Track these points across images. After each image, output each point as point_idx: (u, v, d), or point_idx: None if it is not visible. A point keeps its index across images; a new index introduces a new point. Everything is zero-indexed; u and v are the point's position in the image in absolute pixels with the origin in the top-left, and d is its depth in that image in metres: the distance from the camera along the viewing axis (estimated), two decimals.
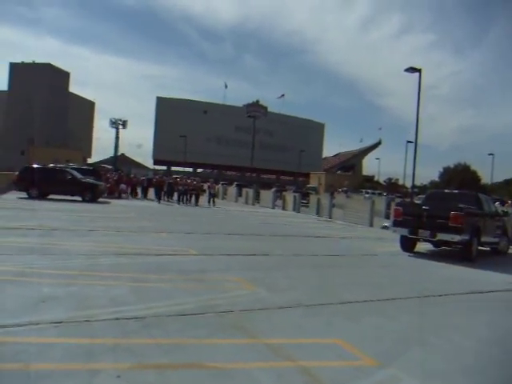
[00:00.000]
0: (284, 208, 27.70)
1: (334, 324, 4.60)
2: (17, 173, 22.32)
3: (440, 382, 3.41)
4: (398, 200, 24.46)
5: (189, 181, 26.93)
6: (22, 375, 2.92)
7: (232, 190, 36.87)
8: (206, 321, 4.33)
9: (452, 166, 71.18)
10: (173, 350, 3.53)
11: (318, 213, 23.74)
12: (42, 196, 20.40)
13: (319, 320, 4.71)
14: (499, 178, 76.90)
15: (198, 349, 3.59)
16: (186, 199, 25.53)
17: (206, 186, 30.58)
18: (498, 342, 4.61)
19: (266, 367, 3.33)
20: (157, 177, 29.89)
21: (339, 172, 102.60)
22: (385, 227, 21.32)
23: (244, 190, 34.47)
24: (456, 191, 13.72)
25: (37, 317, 4.04)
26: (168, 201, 25.85)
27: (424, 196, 15.29)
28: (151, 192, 27.10)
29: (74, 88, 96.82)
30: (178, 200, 25.32)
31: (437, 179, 74.14)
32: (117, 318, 4.18)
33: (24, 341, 3.47)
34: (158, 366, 3.21)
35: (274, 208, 28.10)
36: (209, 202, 25.87)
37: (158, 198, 25.51)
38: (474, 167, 68.89)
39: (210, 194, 26.51)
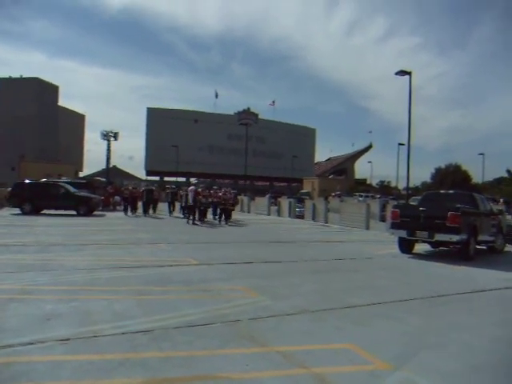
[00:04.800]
0: (279, 214, 27.71)
1: (343, 329, 4.58)
2: (9, 189, 22.17)
3: (454, 383, 3.40)
4: (392, 202, 24.56)
5: (214, 192, 21.31)
6: None
7: None
8: (215, 331, 4.30)
9: (443, 166, 71.74)
10: (184, 362, 3.49)
11: (313, 218, 23.78)
12: (36, 211, 20.22)
13: (327, 325, 4.69)
14: (489, 177, 77.88)
15: (210, 360, 3.56)
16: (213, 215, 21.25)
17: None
18: (509, 339, 4.62)
19: (280, 375, 3.30)
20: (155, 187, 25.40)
21: (332, 176, 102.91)
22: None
23: (239, 198, 34.45)
24: (451, 191, 13.80)
25: (43, 334, 3.98)
26: (184, 216, 20.16)
27: (419, 197, 15.38)
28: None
29: (63, 101, 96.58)
30: (200, 216, 19.68)
31: (428, 180, 74.69)
32: (123, 333, 4.13)
33: (32, 360, 3.41)
34: (171, 380, 3.16)
35: (269, 215, 28.10)
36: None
37: (171, 212, 22.76)
38: (464, 167, 69.54)
39: None
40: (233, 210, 21.47)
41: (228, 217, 20.25)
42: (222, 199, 20.36)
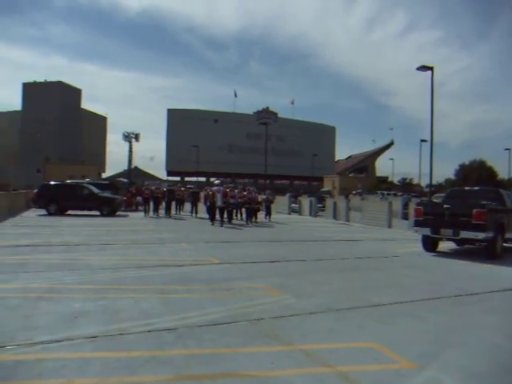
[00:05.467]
0: (300, 213, 27.62)
1: (367, 327, 4.55)
2: (35, 190, 22.74)
3: (481, 382, 3.34)
4: (415, 200, 24.18)
5: (238, 192, 19.78)
6: None
7: None
8: (239, 329, 4.33)
9: (467, 162, 70.21)
10: (209, 360, 3.53)
11: (334, 216, 23.63)
12: (61, 212, 20.67)
13: (351, 324, 4.67)
14: None
15: (234, 358, 3.58)
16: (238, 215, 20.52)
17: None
18: None
19: (305, 374, 3.30)
20: (182, 188, 24.80)
21: (352, 174, 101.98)
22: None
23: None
24: (477, 188, 13.48)
25: (72, 332, 4.08)
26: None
27: (443, 194, 15.10)
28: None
29: (85, 104, 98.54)
30: (228, 217, 18.84)
31: (452, 177, 73.21)
32: (149, 331, 4.20)
33: (62, 356, 3.50)
34: (196, 376, 3.20)
35: (290, 214, 28.03)
36: (266, 216, 21.57)
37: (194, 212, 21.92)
38: (489, 163, 67.86)
39: (266, 207, 22.05)
40: (259, 210, 21.02)
41: (254, 216, 19.68)
42: (247, 199, 19.76)
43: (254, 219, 19.67)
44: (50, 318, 4.52)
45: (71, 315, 4.63)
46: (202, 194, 22.50)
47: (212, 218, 18.15)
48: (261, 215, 21.53)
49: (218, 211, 17.92)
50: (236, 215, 20.51)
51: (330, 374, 3.32)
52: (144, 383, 3.07)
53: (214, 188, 18.69)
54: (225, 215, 18.39)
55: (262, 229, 17.06)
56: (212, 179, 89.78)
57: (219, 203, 17.71)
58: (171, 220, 20.12)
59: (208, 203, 19.09)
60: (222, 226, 17.07)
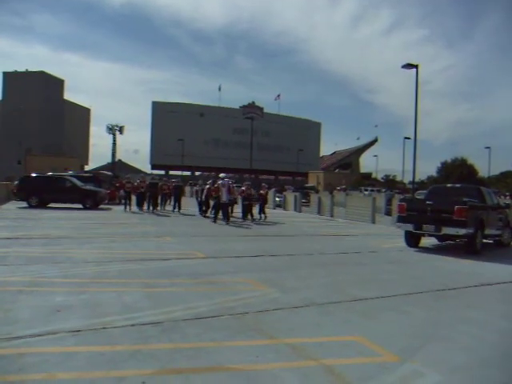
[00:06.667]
0: (285, 208, 27.71)
1: (351, 321, 4.59)
2: (16, 182, 22.29)
3: (463, 375, 3.40)
4: (398, 196, 24.46)
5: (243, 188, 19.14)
6: None
7: None
8: (223, 323, 4.32)
9: (449, 160, 71.22)
10: (194, 353, 3.51)
11: (319, 212, 23.76)
12: (43, 205, 20.34)
13: (335, 318, 4.70)
14: (495, 171, 77.41)
15: (219, 352, 3.58)
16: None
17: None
18: None
19: (289, 367, 3.32)
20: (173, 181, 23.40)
21: (337, 170, 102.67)
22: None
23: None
24: (458, 185, 13.72)
25: (54, 326, 4.02)
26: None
27: (426, 191, 15.31)
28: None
29: (68, 95, 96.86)
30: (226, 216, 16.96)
31: (434, 174, 74.20)
32: (133, 324, 4.17)
33: (44, 351, 3.44)
34: (181, 370, 3.19)
35: (275, 208, 28.08)
36: (260, 213, 19.21)
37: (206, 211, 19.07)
38: (470, 161, 68.99)
39: (260, 201, 19.79)
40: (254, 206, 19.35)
41: (251, 213, 18.40)
42: (246, 195, 18.51)
43: (247, 215, 18.56)
44: (32, 312, 4.44)
45: (53, 309, 4.56)
46: (188, 189, 21.86)
47: (204, 213, 18.04)
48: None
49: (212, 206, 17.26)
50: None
51: (315, 367, 3.34)
52: (128, 377, 3.04)
53: (220, 182, 17.32)
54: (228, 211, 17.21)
55: (249, 224, 17.02)
56: (197, 173, 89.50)
57: (224, 198, 16.48)
58: (154, 215, 19.81)
59: (203, 198, 18.40)
60: (227, 223, 15.98)
